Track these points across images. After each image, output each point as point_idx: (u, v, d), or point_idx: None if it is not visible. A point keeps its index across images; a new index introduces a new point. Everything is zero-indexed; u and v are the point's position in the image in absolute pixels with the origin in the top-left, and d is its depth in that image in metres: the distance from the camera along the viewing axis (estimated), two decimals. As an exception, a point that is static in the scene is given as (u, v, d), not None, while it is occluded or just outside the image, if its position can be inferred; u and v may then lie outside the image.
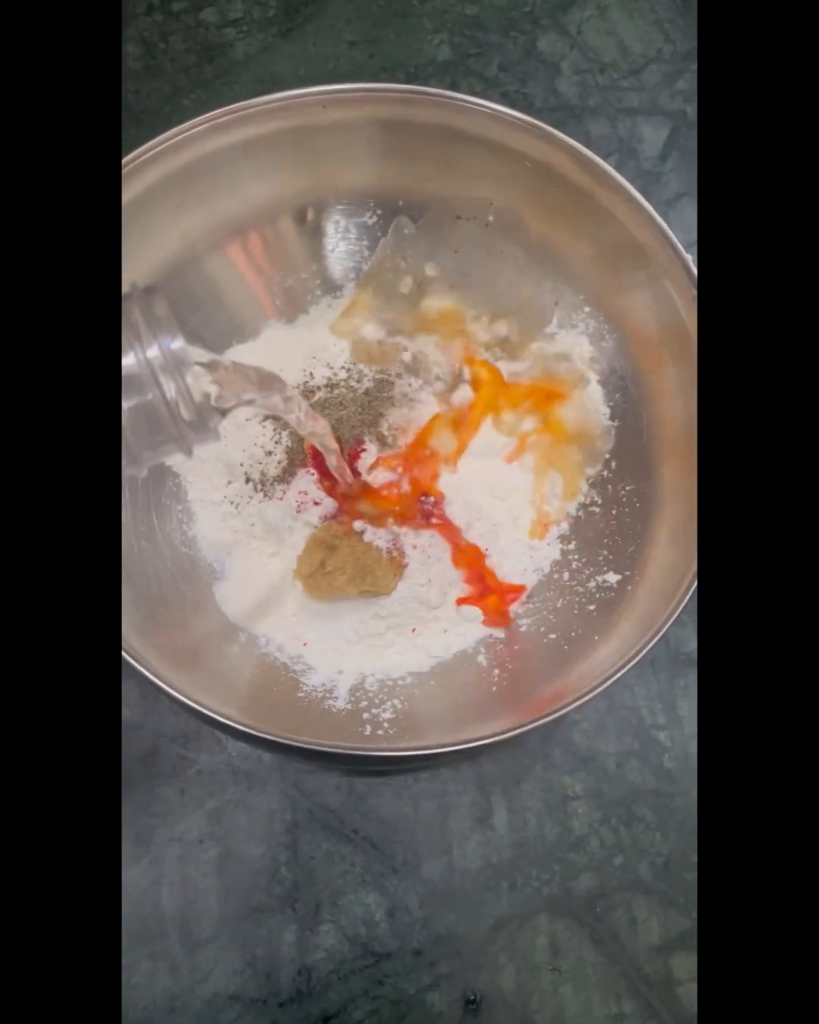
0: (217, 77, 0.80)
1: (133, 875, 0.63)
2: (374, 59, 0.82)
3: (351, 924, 0.63)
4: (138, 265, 0.64)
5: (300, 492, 0.67)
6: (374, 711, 0.63)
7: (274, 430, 0.67)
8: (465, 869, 0.65)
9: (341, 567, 0.63)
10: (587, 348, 0.68)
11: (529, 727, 0.51)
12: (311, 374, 0.69)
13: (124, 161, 0.57)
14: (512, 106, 0.61)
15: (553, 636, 0.65)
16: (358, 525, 0.65)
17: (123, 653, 0.52)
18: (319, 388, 0.68)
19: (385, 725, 0.62)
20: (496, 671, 0.65)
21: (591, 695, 0.51)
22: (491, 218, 0.68)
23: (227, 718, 0.52)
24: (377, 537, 0.65)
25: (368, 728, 0.62)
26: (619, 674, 0.51)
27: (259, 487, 0.67)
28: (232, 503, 0.68)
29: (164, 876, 0.63)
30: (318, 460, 0.65)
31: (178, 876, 0.64)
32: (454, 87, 0.81)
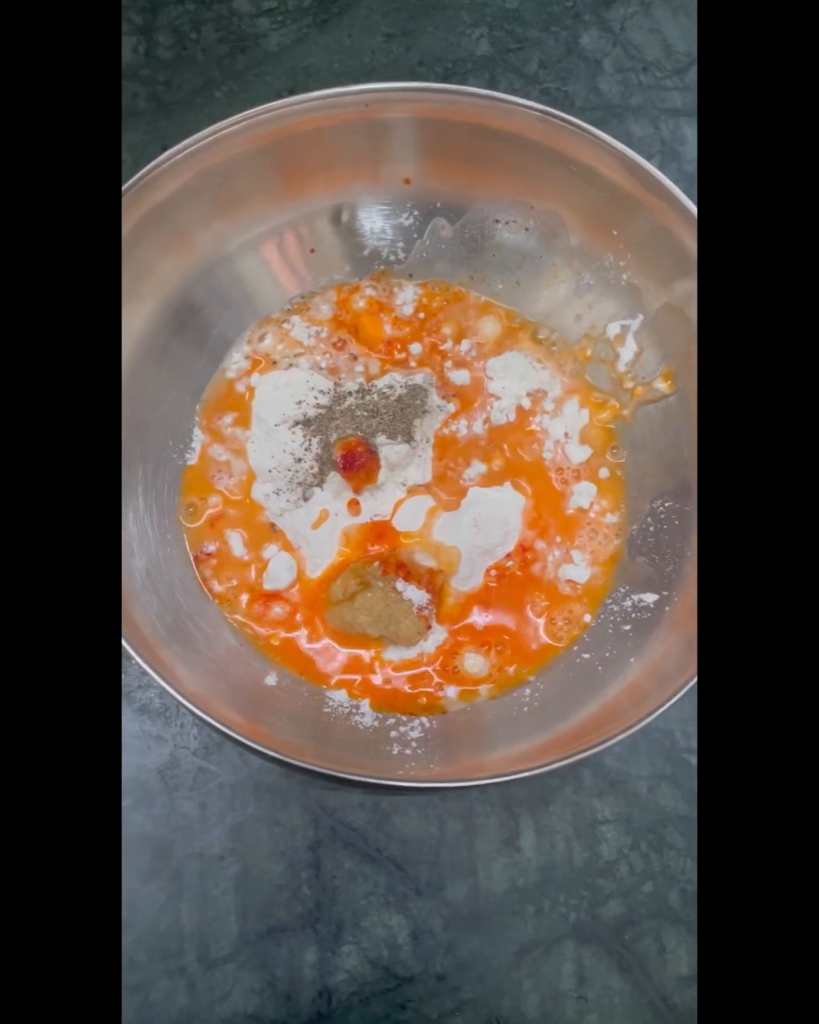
0: (249, 68, 0.78)
1: (151, 890, 0.62)
2: (410, 53, 0.80)
3: (373, 946, 0.62)
4: (170, 265, 0.62)
5: (322, 509, 0.65)
6: (401, 729, 0.62)
7: (304, 437, 0.65)
8: (490, 892, 0.63)
9: (368, 607, 0.62)
10: (629, 357, 0.66)
11: (564, 763, 0.50)
12: (340, 379, 0.68)
13: (160, 159, 0.56)
14: (552, 105, 0.59)
15: (586, 656, 0.63)
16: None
17: (144, 665, 0.51)
18: (350, 394, 0.66)
19: (413, 744, 0.61)
20: (527, 690, 0.63)
21: (631, 731, 0.49)
22: (531, 223, 0.66)
23: (247, 738, 0.50)
24: (413, 593, 0.63)
25: (395, 747, 0.60)
26: (662, 708, 0.49)
27: (288, 493, 0.65)
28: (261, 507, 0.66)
29: (183, 892, 0.62)
30: (347, 463, 0.64)
31: (197, 892, 0.62)
32: (493, 84, 0.79)
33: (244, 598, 0.65)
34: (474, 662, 0.64)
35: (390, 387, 0.67)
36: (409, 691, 0.64)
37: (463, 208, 0.67)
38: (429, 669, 0.64)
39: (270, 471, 0.66)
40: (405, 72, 0.78)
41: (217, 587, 0.65)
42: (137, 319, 0.62)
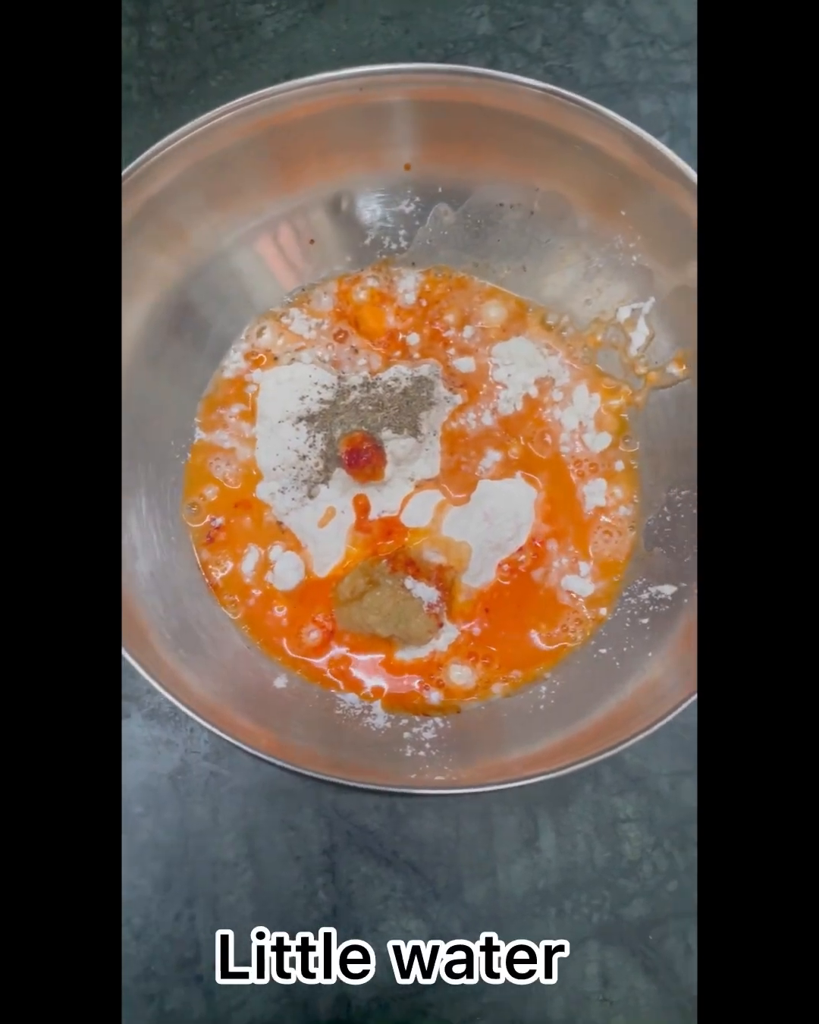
0: (245, 57, 0.76)
1: (165, 898, 0.61)
2: (409, 35, 0.77)
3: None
4: (165, 260, 0.60)
5: (328, 507, 0.64)
6: (415, 730, 0.60)
7: (308, 433, 0.64)
8: (510, 894, 0.62)
9: (377, 606, 0.60)
10: (641, 342, 0.64)
11: (584, 765, 0.48)
12: (343, 374, 0.66)
13: (152, 150, 0.54)
14: (557, 82, 0.56)
15: (604, 651, 0.62)
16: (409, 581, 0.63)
17: (147, 677, 0.50)
18: (354, 388, 0.65)
19: (427, 745, 0.59)
20: (543, 687, 0.62)
21: (652, 730, 0.48)
22: (536, 205, 0.64)
23: (259, 749, 0.49)
24: (423, 590, 0.62)
25: (409, 749, 0.59)
26: (683, 706, 0.48)
27: (293, 491, 0.64)
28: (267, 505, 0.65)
29: (198, 899, 0.61)
30: (352, 460, 0.62)
31: (212, 899, 0.61)
32: (495, 63, 0.76)
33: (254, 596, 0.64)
34: (460, 673, 0.63)
35: (395, 380, 0.65)
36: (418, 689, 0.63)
37: (466, 192, 0.65)
38: (414, 683, 0.63)
39: (274, 469, 0.64)
40: (404, 54, 0.76)
41: (219, 575, 0.64)
42: (134, 317, 0.60)
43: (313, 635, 0.63)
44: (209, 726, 0.48)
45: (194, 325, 0.64)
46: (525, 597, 0.64)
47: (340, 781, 0.48)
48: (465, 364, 0.67)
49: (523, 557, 0.64)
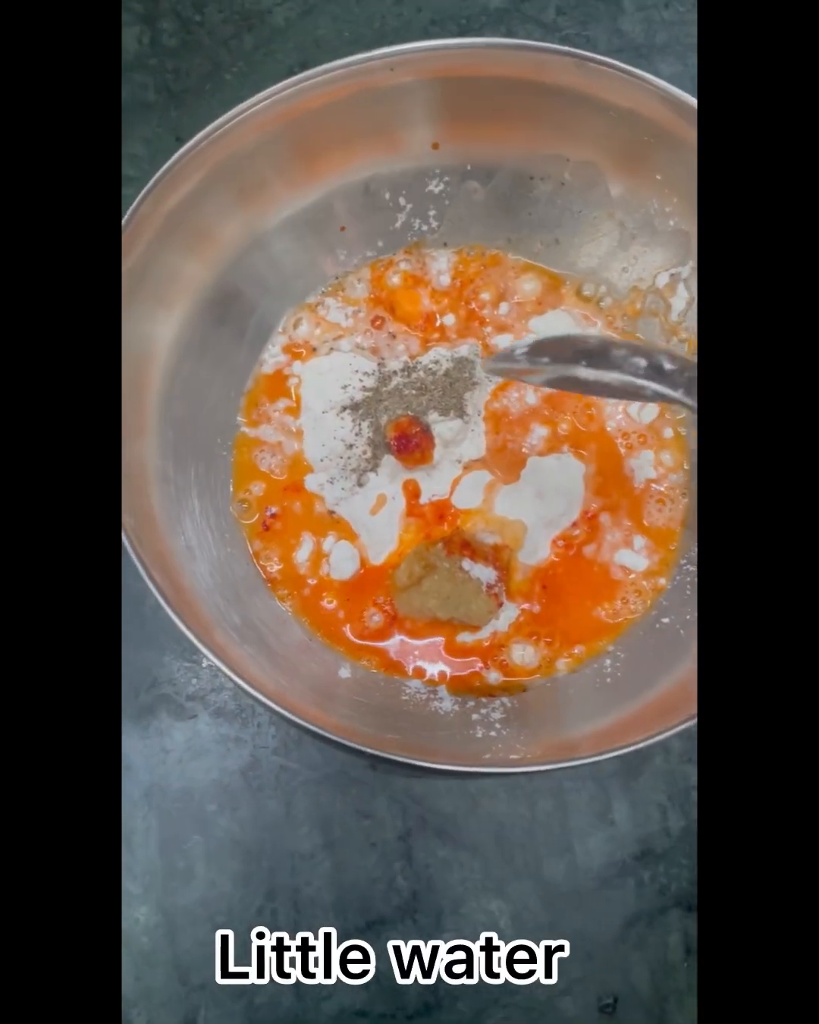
0: (258, 47, 0.76)
1: (246, 893, 0.62)
2: (422, 13, 0.77)
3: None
4: (198, 263, 0.60)
5: (379, 494, 0.64)
6: (483, 711, 0.60)
7: (354, 422, 0.63)
8: (589, 868, 0.62)
9: (436, 590, 0.60)
10: (682, 306, 0.64)
11: (658, 739, 0.48)
12: (383, 360, 0.66)
13: (175, 157, 0.53)
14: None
15: (666, 621, 0.61)
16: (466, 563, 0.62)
17: (219, 663, 0.50)
18: (395, 373, 0.64)
19: (496, 726, 0.59)
20: (607, 661, 0.61)
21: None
22: (567, 176, 0.63)
23: (333, 733, 0.49)
24: (480, 571, 0.61)
25: (478, 730, 0.59)
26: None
27: (342, 480, 0.64)
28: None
29: (278, 892, 0.61)
30: (401, 444, 0.62)
31: (292, 891, 0.61)
32: (510, 35, 0.75)
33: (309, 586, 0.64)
34: (523, 653, 0.62)
35: (436, 362, 0.65)
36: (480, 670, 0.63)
37: (495, 169, 0.64)
38: (478, 665, 0.62)
39: (322, 460, 0.64)
40: (419, 33, 0.75)
41: (273, 568, 0.64)
42: (173, 324, 0.59)
43: (375, 618, 0.62)
44: (289, 715, 0.48)
45: (231, 322, 0.64)
46: (582, 572, 0.63)
47: (416, 762, 0.48)
48: (504, 341, 0.66)
49: (578, 532, 0.64)
